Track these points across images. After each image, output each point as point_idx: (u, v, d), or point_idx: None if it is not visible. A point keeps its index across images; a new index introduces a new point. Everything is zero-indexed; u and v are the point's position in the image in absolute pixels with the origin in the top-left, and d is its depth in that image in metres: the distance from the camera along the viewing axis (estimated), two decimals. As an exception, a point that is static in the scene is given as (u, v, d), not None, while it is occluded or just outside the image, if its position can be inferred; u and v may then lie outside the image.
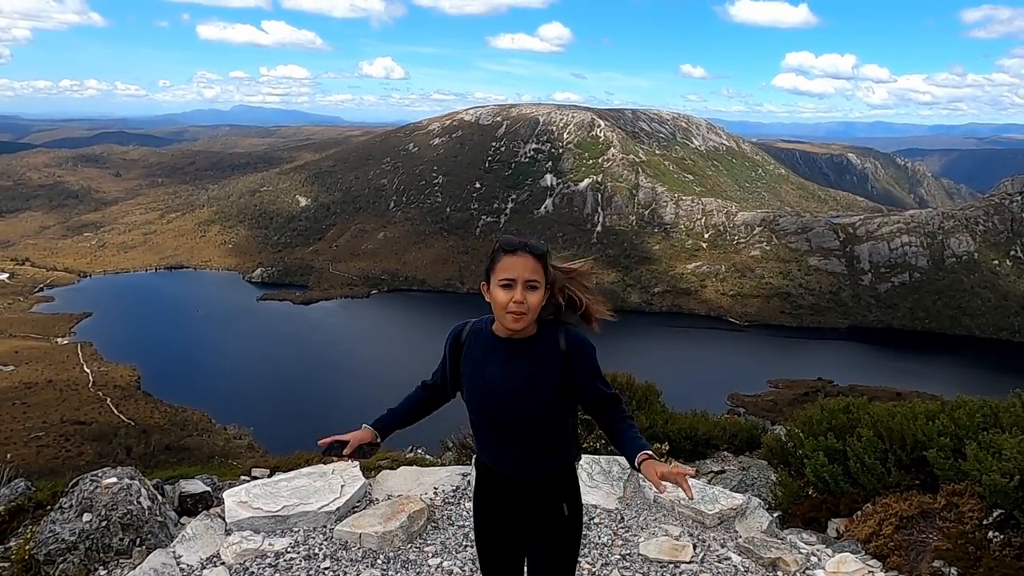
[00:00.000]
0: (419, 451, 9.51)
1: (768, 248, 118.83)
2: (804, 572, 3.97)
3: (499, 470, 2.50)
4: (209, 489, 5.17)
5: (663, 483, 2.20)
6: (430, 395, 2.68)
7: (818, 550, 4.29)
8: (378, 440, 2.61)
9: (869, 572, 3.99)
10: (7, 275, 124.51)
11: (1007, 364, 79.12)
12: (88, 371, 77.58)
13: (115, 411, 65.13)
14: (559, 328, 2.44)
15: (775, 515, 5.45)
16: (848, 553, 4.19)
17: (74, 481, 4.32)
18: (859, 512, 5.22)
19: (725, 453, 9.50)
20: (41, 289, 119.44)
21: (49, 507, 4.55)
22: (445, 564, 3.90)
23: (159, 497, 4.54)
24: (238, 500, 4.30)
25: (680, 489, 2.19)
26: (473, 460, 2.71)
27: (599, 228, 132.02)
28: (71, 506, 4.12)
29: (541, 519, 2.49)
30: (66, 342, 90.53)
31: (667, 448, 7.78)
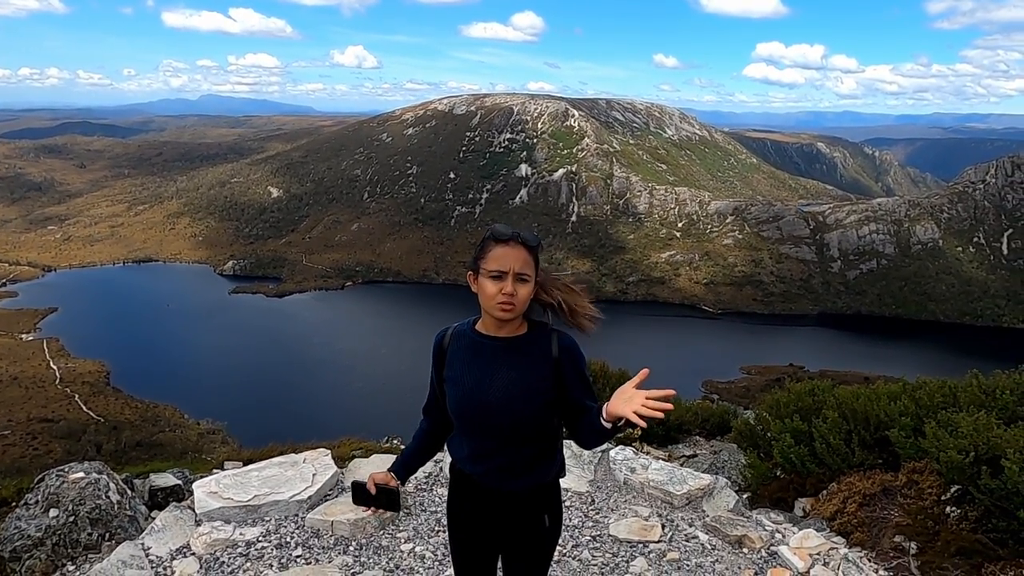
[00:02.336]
0: (395, 440, 9.51)
1: (740, 236, 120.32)
2: (769, 548, 4.08)
3: (481, 481, 2.35)
4: (180, 483, 5.12)
5: (640, 420, 1.99)
6: (434, 420, 2.51)
7: (783, 528, 4.40)
8: (397, 484, 2.44)
9: (832, 547, 4.11)
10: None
11: (969, 347, 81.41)
12: (55, 367, 75.78)
13: (84, 408, 63.75)
14: (551, 331, 2.31)
15: (744, 496, 5.57)
16: (811, 530, 4.31)
17: (40, 476, 4.26)
18: (824, 491, 5.35)
19: (697, 438, 9.64)
20: (4, 284, 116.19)
21: (14, 504, 4.48)
22: (417, 549, 3.93)
23: (128, 491, 4.48)
24: (208, 491, 4.27)
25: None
26: (448, 467, 2.57)
27: (574, 218, 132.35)
28: (37, 502, 4.06)
29: (521, 531, 2.39)
30: (31, 338, 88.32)
31: (639, 433, 7.89)
